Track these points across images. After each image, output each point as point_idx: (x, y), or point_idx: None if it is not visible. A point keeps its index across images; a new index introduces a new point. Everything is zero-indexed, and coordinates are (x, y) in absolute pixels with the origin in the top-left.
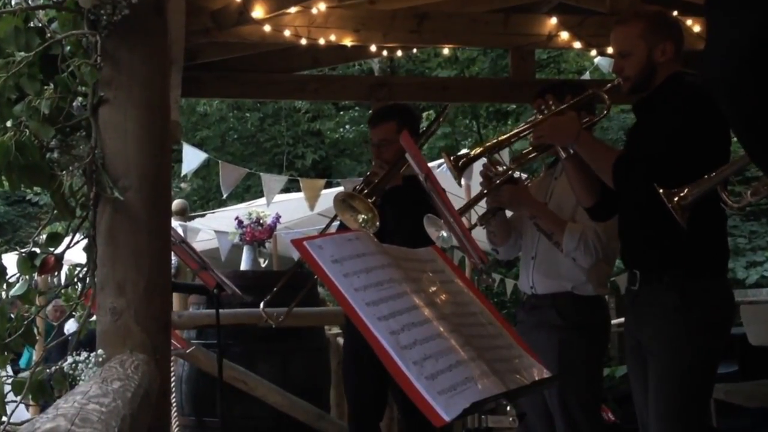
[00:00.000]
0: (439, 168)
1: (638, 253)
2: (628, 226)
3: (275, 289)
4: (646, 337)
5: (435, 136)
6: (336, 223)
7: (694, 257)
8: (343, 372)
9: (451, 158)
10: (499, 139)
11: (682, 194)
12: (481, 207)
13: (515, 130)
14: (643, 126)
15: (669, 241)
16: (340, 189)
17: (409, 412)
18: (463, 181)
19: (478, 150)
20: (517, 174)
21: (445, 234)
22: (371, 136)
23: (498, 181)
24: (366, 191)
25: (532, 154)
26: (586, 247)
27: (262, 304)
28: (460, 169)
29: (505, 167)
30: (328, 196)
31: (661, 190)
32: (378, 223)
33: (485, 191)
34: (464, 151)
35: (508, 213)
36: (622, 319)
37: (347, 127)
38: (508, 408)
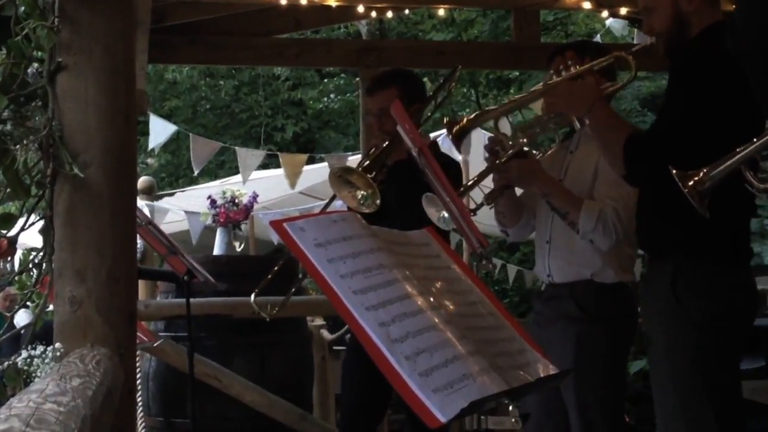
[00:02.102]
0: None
1: (644, 232)
2: (643, 204)
3: (269, 276)
4: (651, 330)
5: (444, 103)
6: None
7: (702, 238)
8: (343, 366)
9: (450, 123)
10: (505, 103)
11: (698, 178)
12: (485, 186)
13: (522, 95)
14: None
15: (678, 219)
16: (323, 165)
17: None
18: (460, 157)
19: (477, 115)
20: (526, 147)
21: (446, 215)
22: (370, 105)
23: (506, 156)
24: (365, 165)
25: (539, 127)
26: (605, 228)
27: (253, 295)
28: (456, 136)
29: (513, 142)
30: (310, 172)
31: (675, 172)
32: (378, 201)
33: (491, 167)
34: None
35: (519, 191)
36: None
37: (332, 96)
38: (511, 408)
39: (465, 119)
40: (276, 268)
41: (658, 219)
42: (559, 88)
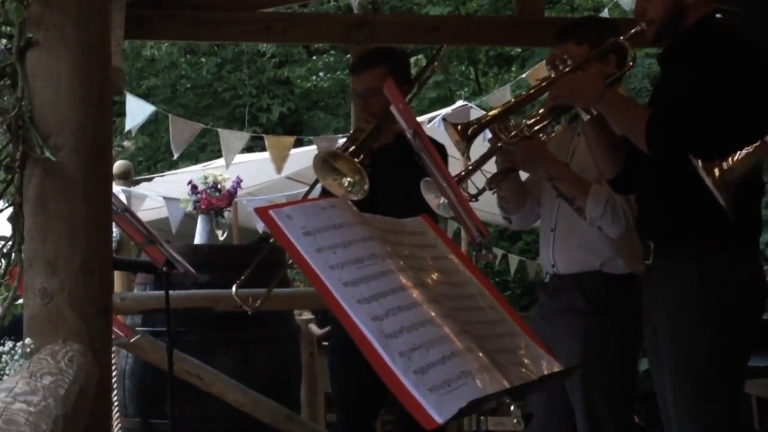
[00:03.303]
0: (430, 123)
1: (653, 220)
2: (644, 189)
3: (251, 266)
4: (659, 320)
5: (426, 85)
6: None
7: (717, 224)
8: (329, 367)
9: (458, 128)
10: (514, 101)
11: (726, 166)
12: (487, 171)
13: (531, 90)
14: (670, 79)
15: (688, 205)
16: (312, 148)
17: (403, 412)
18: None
19: (489, 116)
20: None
21: (446, 201)
22: (355, 85)
23: (509, 138)
24: (351, 150)
25: (547, 119)
26: (613, 214)
27: (234, 287)
28: (469, 138)
29: (516, 131)
30: (298, 156)
31: (699, 163)
32: (366, 188)
33: (494, 149)
34: (474, 114)
35: (524, 176)
36: None
37: (321, 74)
38: (512, 408)
39: (482, 120)
40: (259, 258)
41: (669, 203)
42: (563, 81)
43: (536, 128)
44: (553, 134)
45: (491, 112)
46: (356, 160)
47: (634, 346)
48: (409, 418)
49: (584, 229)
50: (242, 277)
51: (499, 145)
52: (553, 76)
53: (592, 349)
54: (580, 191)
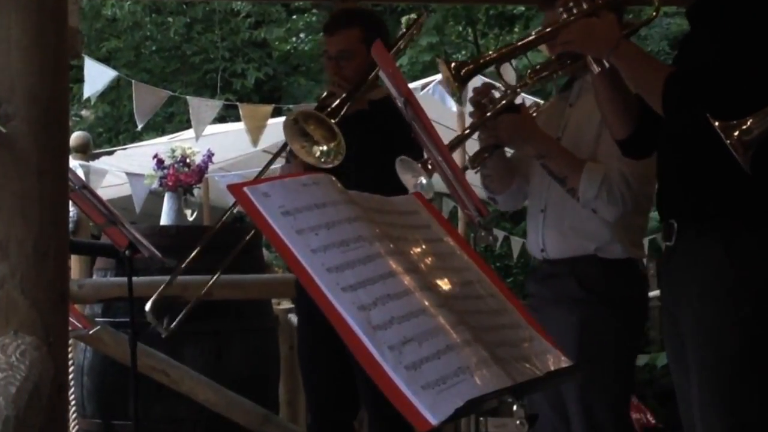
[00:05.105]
0: (423, 91)
1: (677, 198)
2: (667, 164)
3: (199, 245)
4: (681, 308)
5: (419, 48)
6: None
7: (747, 203)
8: (299, 360)
9: (451, 66)
10: (516, 44)
11: (744, 127)
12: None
13: (536, 34)
14: (699, 37)
15: (715, 181)
16: None
17: (378, 411)
18: (455, 108)
19: (487, 57)
20: (519, 100)
21: (424, 181)
22: (327, 46)
23: (494, 110)
24: (326, 112)
25: (552, 68)
26: (609, 194)
27: (147, 306)
28: (462, 80)
29: (503, 92)
30: (275, 127)
31: (717, 123)
32: (342, 154)
33: (477, 123)
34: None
35: (509, 152)
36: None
37: (301, 36)
38: (515, 408)
39: (480, 61)
40: (207, 237)
41: (695, 180)
42: (575, 25)
43: (541, 75)
44: (542, 108)
45: (491, 53)
46: (332, 120)
47: (634, 336)
48: (384, 419)
49: (578, 209)
50: (188, 259)
51: (484, 118)
52: (564, 18)
53: (589, 341)
54: (573, 170)
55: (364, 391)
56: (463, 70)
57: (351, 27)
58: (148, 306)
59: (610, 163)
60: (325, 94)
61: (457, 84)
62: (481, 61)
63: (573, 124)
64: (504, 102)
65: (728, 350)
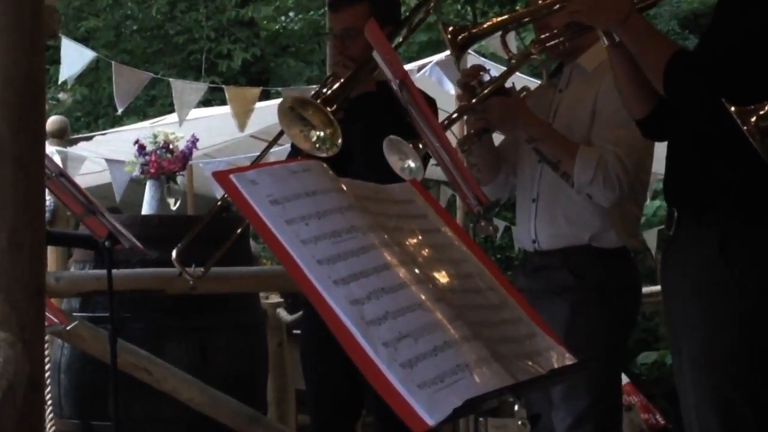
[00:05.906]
0: (420, 72)
1: (679, 185)
2: (673, 149)
3: (193, 233)
4: (675, 300)
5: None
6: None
7: (748, 195)
8: (302, 361)
9: (449, 30)
10: (520, 11)
11: (762, 112)
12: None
13: (543, 2)
14: (722, 14)
15: (719, 171)
16: (280, 101)
17: (384, 413)
18: (452, 90)
19: (487, 24)
20: (509, 84)
21: (412, 165)
22: (332, 23)
23: (483, 93)
24: (324, 98)
25: (558, 39)
26: (605, 179)
27: (174, 253)
28: (460, 48)
29: (508, 61)
30: (263, 111)
31: (733, 108)
32: (339, 143)
33: (465, 107)
34: None
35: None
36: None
37: (291, 14)
38: (516, 407)
39: (473, 27)
40: (199, 227)
41: (700, 167)
42: None
43: (547, 45)
44: (530, 92)
45: (492, 19)
46: (329, 109)
47: (626, 325)
48: (394, 421)
49: (571, 198)
50: (184, 241)
51: (473, 102)
52: None
53: (578, 327)
54: (566, 153)
55: (371, 394)
56: (459, 37)
57: (358, 2)
58: (174, 253)
59: (606, 146)
60: (330, 74)
61: (454, 53)
62: (479, 29)
63: (564, 109)
64: (493, 86)
65: (720, 348)
